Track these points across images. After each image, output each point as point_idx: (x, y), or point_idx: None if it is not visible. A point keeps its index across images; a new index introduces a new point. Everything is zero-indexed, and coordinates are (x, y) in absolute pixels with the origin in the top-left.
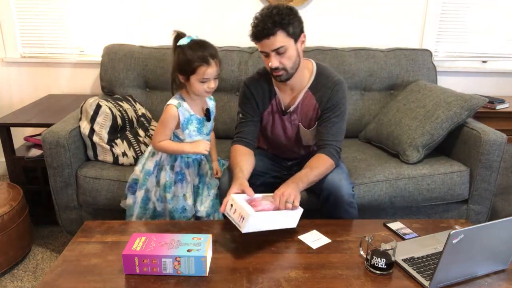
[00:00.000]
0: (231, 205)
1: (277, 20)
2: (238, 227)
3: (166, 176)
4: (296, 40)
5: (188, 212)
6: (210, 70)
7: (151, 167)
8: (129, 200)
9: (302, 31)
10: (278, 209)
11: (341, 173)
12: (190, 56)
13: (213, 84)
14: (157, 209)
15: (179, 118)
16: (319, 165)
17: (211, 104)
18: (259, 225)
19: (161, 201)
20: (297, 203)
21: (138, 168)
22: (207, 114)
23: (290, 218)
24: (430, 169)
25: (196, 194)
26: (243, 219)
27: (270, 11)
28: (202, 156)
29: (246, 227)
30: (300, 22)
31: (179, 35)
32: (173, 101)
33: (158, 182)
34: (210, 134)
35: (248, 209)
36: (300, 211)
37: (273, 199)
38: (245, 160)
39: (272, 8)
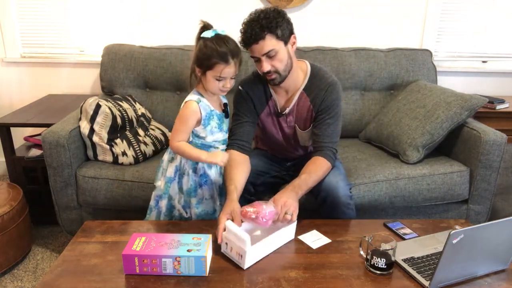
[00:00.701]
0: (226, 243)
1: (264, 24)
2: (239, 264)
3: (189, 180)
4: (286, 42)
5: (217, 213)
6: (228, 70)
7: (171, 174)
8: (153, 214)
9: (291, 32)
10: (278, 216)
11: (338, 174)
12: (210, 50)
13: (228, 84)
14: (184, 216)
15: (200, 114)
16: (316, 169)
17: (224, 101)
18: (259, 254)
19: (188, 207)
20: (295, 217)
21: (161, 183)
22: (225, 109)
23: (286, 234)
24: (430, 169)
25: (220, 195)
26: (241, 256)
27: (257, 15)
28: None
29: (247, 263)
30: (288, 23)
31: (205, 26)
32: (193, 97)
33: (181, 189)
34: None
35: (245, 244)
36: (294, 223)
37: (273, 204)
38: (240, 170)
39: (258, 12)
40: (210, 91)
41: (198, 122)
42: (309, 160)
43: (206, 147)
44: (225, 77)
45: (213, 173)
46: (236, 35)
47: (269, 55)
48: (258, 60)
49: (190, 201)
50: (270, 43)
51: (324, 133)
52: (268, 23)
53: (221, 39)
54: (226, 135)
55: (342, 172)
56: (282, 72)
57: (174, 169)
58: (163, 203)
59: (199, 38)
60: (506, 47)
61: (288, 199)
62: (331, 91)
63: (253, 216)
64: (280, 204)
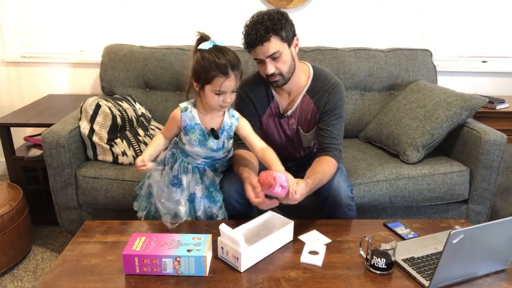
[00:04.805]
0: (222, 247)
1: (269, 26)
2: (236, 268)
3: (166, 175)
4: (289, 44)
5: (180, 219)
6: (228, 83)
7: (161, 159)
8: (142, 190)
9: (294, 34)
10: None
11: (340, 175)
12: (208, 63)
13: (229, 98)
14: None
15: (180, 122)
16: (329, 170)
17: (229, 122)
18: (256, 256)
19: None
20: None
21: (157, 158)
22: (213, 132)
23: (284, 235)
24: (430, 169)
25: (190, 201)
26: (237, 259)
27: (261, 17)
28: (204, 166)
29: (243, 265)
30: (292, 25)
31: (202, 38)
32: (183, 104)
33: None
34: (221, 152)
35: (239, 246)
36: (291, 224)
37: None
38: (250, 162)
39: (262, 14)
40: (210, 107)
41: (179, 128)
42: (318, 159)
43: (185, 154)
44: (224, 91)
45: (186, 180)
46: (235, 35)
47: (274, 57)
48: (261, 62)
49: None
50: (275, 45)
51: (330, 135)
52: (273, 25)
53: (219, 50)
54: (213, 153)
55: (344, 173)
56: (286, 74)
57: (162, 158)
58: (146, 183)
59: (196, 50)
60: (506, 47)
61: (300, 193)
62: (335, 93)
63: (272, 181)
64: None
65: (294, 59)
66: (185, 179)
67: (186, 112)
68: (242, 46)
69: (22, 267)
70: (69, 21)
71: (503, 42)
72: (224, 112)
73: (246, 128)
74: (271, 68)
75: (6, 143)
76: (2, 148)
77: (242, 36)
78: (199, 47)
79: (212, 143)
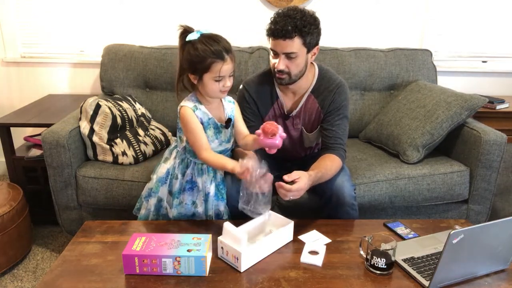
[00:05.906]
0: (222, 247)
1: (299, 26)
2: (236, 268)
3: (177, 183)
4: (309, 50)
5: (197, 217)
6: (226, 67)
7: (163, 174)
8: (143, 210)
9: (317, 43)
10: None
11: (344, 174)
12: (202, 51)
13: (228, 82)
14: (168, 215)
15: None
16: (332, 166)
17: (230, 107)
18: (256, 256)
19: (170, 206)
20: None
21: (154, 177)
22: (227, 122)
23: (284, 235)
24: (430, 169)
25: (206, 201)
26: (237, 259)
27: (295, 13)
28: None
29: (243, 265)
30: (318, 34)
31: (186, 30)
32: (188, 103)
33: (170, 192)
34: (231, 141)
35: (240, 246)
36: (291, 224)
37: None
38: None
39: (298, 10)
40: (211, 96)
41: None
42: (322, 156)
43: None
44: (223, 75)
45: (201, 181)
46: (235, 35)
47: (289, 56)
48: (275, 54)
49: (172, 202)
50: (295, 45)
51: (335, 135)
52: (303, 26)
53: (209, 37)
54: (226, 145)
55: (347, 172)
56: (294, 76)
57: (166, 171)
58: (152, 202)
59: (183, 43)
60: (506, 47)
61: (302, 188)
62: (340, 92)
63: (276, 129)
64: (293, 176)
65: (306, 65)
66: (200, 181)
67: (197, 111)
68: (242, 46)
69: (22, 267)
70: (69, 21)
71: (503, 42)
72: (221, 100)
73: (237, 112)
74: (282, 65)
75: (6, 143)
76: (2, 148)
77: (269, 22)
78: (187, 39)
79: (223, 134)
